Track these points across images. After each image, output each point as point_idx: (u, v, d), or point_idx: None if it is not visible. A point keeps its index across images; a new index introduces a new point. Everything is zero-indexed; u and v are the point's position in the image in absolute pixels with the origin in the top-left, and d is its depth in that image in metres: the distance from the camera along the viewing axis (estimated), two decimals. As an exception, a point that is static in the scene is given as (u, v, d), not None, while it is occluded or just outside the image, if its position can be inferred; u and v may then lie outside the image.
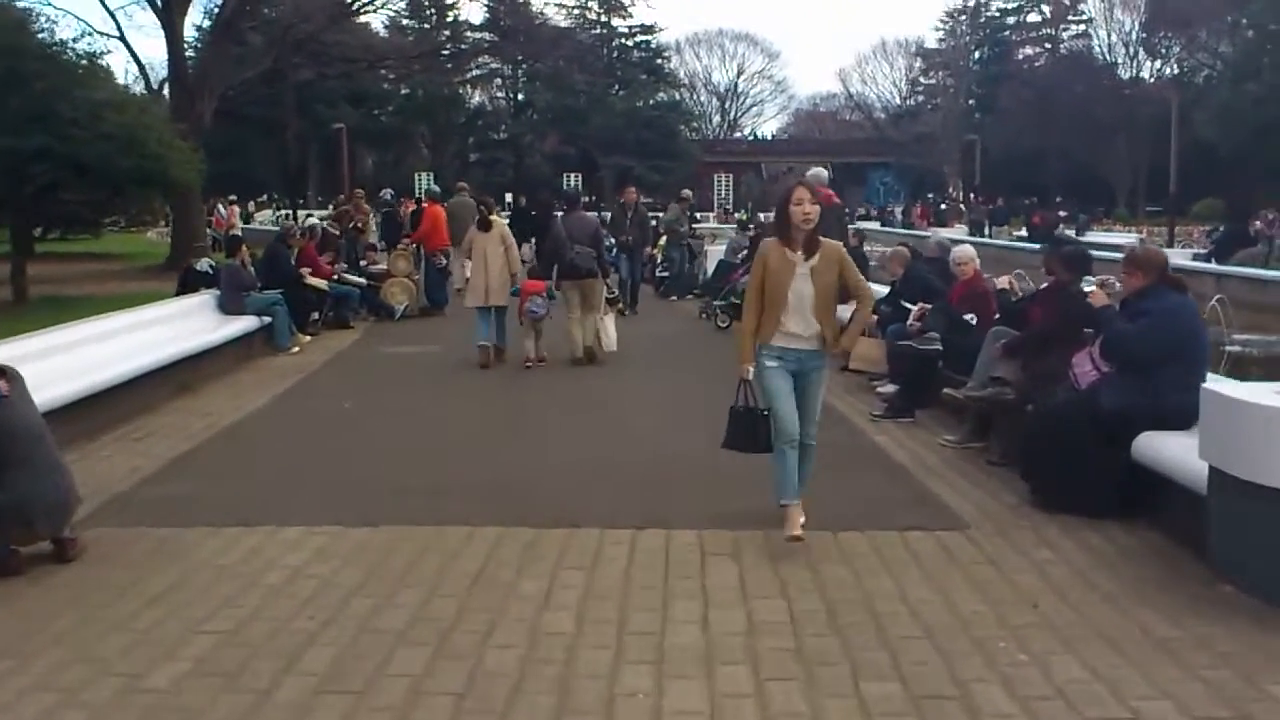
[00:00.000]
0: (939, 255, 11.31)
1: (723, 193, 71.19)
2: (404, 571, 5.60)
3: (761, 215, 54.35)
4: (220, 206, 40.01)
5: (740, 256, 19.25)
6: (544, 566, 5.65)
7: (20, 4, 20.88)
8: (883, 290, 12.63)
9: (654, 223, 22.02)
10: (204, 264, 14.98)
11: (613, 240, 17.23)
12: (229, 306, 13.50)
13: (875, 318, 10.44)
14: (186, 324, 12.53)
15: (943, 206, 57.67)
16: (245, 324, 13.26)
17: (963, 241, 14.51)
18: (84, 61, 19.66)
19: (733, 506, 6.62)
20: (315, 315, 15.67)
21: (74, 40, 20.34)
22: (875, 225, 50.93)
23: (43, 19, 19.82)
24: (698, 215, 29.96)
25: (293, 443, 8.73)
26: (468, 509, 6.60)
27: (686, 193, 22.95)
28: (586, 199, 28.55)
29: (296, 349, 13.77)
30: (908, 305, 10.42)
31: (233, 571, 5.64)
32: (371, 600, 5.19)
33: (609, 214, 21.10)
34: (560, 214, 13.77)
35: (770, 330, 6.11)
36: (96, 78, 19.01)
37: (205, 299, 13.70)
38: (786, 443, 6.08)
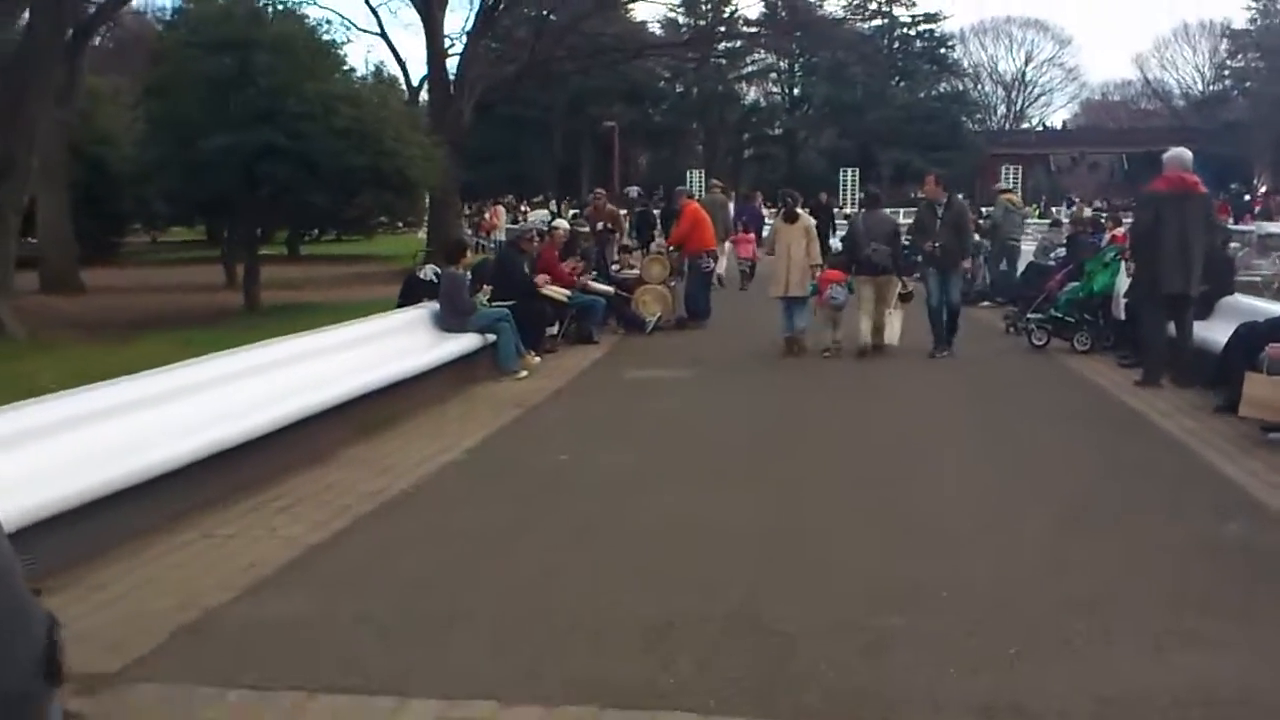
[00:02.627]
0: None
1: (1010, 185, 66.23)
2: None
3: (1056, 210, 50.19)
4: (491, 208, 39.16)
5: (1052, 257, 16.10)
6: None
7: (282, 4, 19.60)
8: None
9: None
10: (428, 271, 12.97)
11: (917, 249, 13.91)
12: (447, 322, 11.44)
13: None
14: (394, 343, 10.48)
15: (1246, 198, 50.79)
16: (463, 344, 11.14)
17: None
18: (326, 51, 18.25)
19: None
20: (554, 329, 13.53)
21: (315, 30, 18.93)
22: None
23: (276, 7, 18.30)
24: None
25: (473, 524, 6.28)
26: (713, 681, 4.07)
27: (1003, 185, 19.24)
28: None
29: (524, 373, 11.56)
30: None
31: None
32: None
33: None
34: (861, 211, 14.27)
35: None
36: (331, 68, 17.46)
37: (422, 313, 11.65)
38: None
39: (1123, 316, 11.92)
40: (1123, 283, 11.84)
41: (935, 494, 6.75)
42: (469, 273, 12.64)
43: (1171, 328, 10.34)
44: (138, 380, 7.11)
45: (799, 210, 13.86)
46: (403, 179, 17.30)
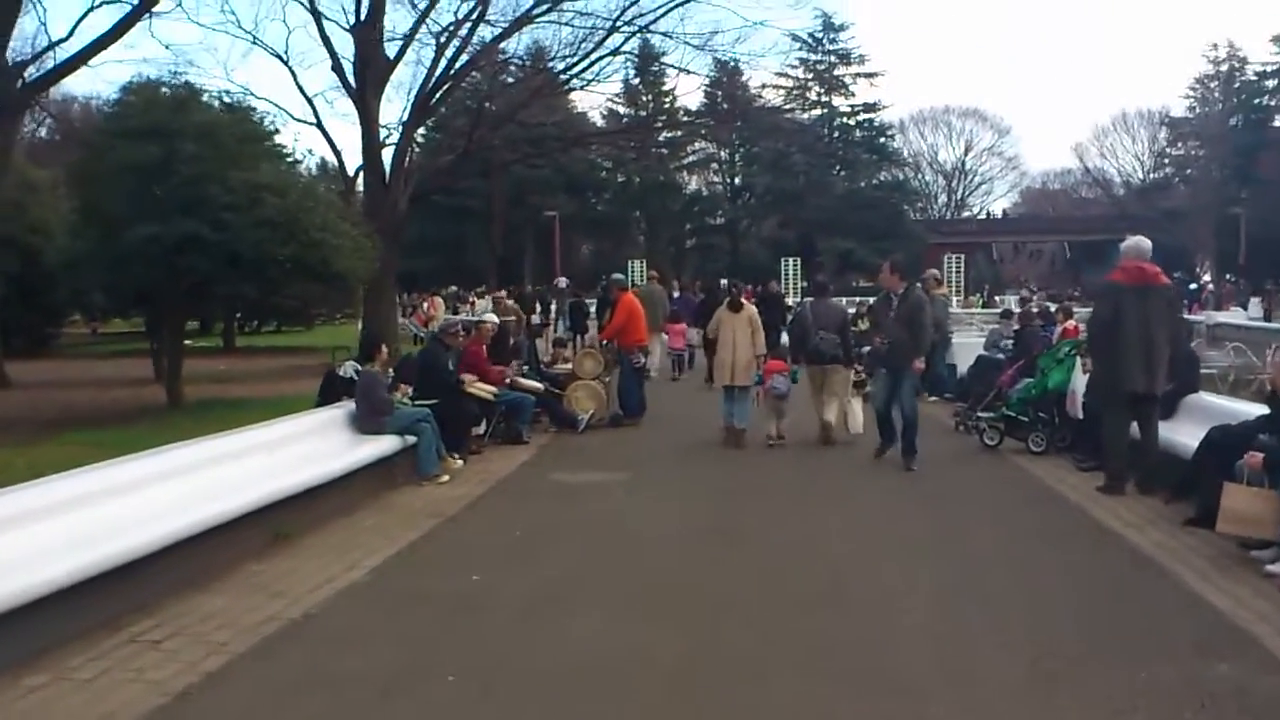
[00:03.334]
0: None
1: (953, 274, 66.78)
2: None
3: (999, 299, 50.37)
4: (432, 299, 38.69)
5: (1000, 348, 15.79)
6: None
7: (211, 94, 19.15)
8: (1241, 407, 9.30)
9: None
10: (348, 369, 12.34)
11: (863, 345, 13.62)
12: (364, 424, 10.82)
13: (1260, 457, 7.16)
14: (307, 447, 9.83)
15: (1191, 286, 51.38)
16: (381, 447, 10.48)
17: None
18: (253, 139, 17.77)
19: None
20: (480, 429, 12.96)
21: (244, 118, 18.47)
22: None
23: (205, 96, 17.83)
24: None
25: (361, 666, 5.59)
26: None
27: (934, 273, 18.81)
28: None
29: (445, 477, 10.92)
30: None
31: None
32: None
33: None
34: (810, 300, 14.29)
35: None
36: (258, 156, 16.97)
37: (338, 414, 10.96)
38: None
39: (1080, 415, 11.39)
40: (1079, 379, 11.37)
41: (885, 625, 6.16)
42: (391, 370, 12.08)
43: (1135, 429, 9.87)
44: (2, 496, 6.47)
45: (743, 300, 14.20)
46: (328, 270, 16.71)
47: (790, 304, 27.21)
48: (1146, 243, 10.08)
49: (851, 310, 17.18)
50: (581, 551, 8.12)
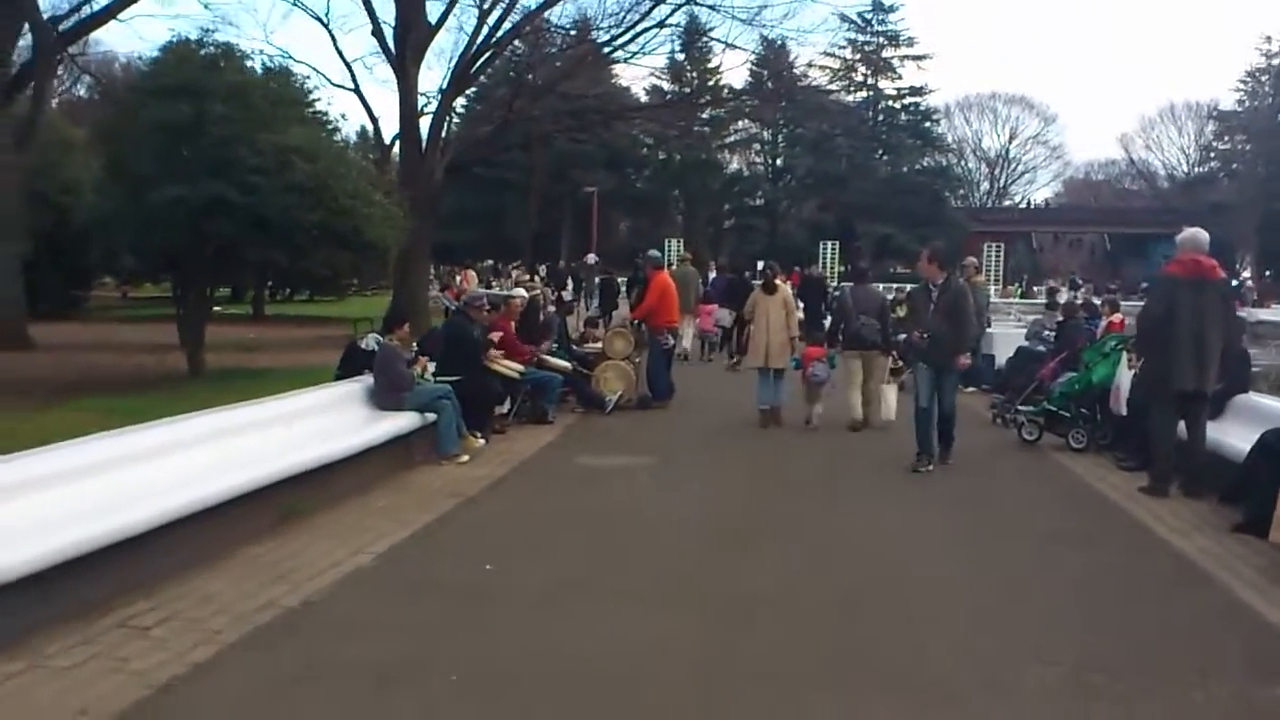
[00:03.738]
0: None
1: (992, 263, 65.83)
2: None
3: (1037, 288, 49.57)
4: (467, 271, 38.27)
5: (1042, 339, 15.29)
6: None
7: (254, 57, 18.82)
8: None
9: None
10: (370, 341, 12.01)
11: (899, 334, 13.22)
12: (383, 399, 10.47)
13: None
14: (322, 422, 9.50)
15: (1233, 283, 50.27)
16: (398, 424, 10.13)
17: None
18: (288, 101, 17.41)
19: None
20: (505, 408, 12.61)
21: (283, 80, 18.12)
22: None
23: (239, 56, 17.43)
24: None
25: (359, 661, 5.22)
26: None
27: (972, 260, 18.20)
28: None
29: (465, 457, 10.57)
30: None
31: None
32: None
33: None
34: (849, 285, 14.55)
35: None
36: (291, 119, 16.58)
37: (356, 388, 10.63)
38: None
39: (1124, 412, 10.89)
40: (1124, 375, 10.89)
41: (915, 634, 5.74)
42: (415, 344, 11.73)
43: (1182, 429, 9.39)
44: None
45: (777, 281, 14.12)
46: (359, 238, 16.35)
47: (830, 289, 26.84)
48: (1204, 235, 9.59)
49: (890, 297, 16.70)
50: (602, 541, 7.73)
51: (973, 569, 7.05)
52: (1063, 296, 22.33)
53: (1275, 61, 72.98)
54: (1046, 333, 15.54)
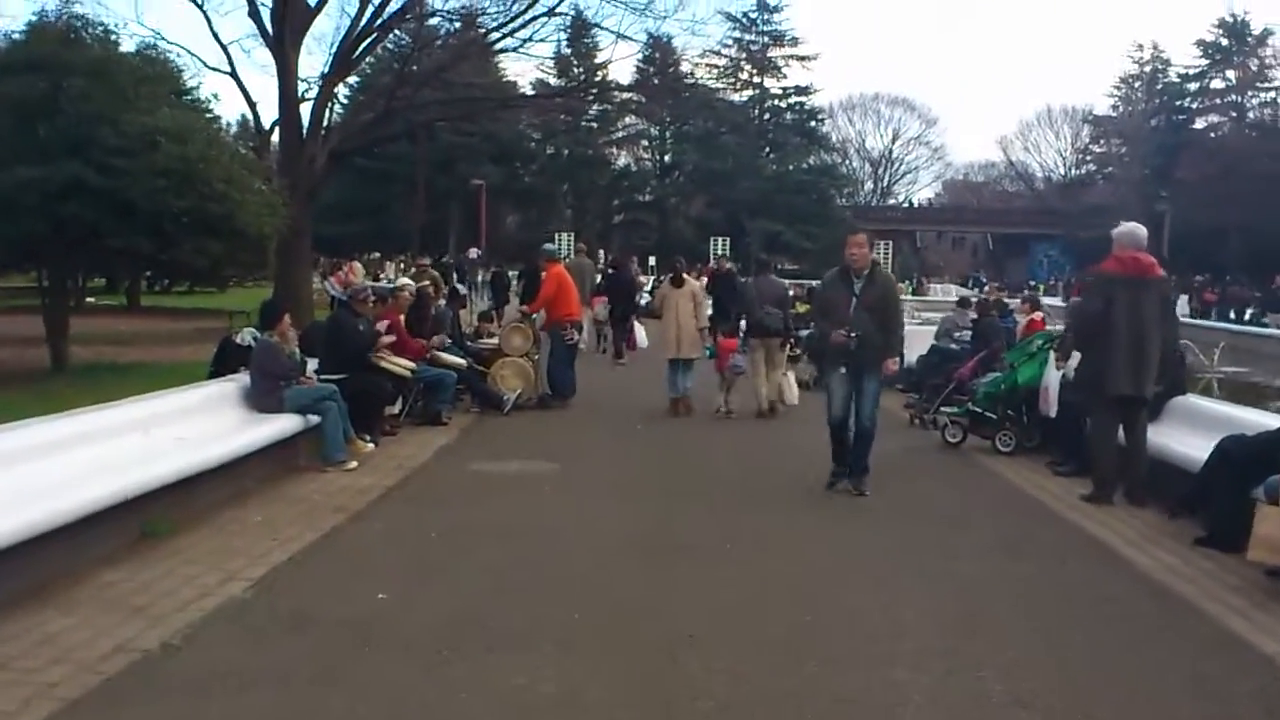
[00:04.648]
0: None
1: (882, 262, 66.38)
2: None
3: (926, 282, 49.77)
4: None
5: (954, 338, 14.88)
6: None
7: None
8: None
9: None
10: (246, 336, 10.96)
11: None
12: (260, 400, 9.47)
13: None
14: (191, 426, 8.49)
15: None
16: (277, 427, 9.15)
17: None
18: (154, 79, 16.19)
19: None
20: (395, 408, 11.66)
21: (142, 53, 16.87)
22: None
23: (98, 29, 16.16)
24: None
25: None
26: None
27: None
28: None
29: (353, 464, 9.60)
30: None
31: None
32: None
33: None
34: (751, 277, 15.31)
35: None
36: (158, 100, 15.38)
37: (230, 388, 9.63)
38: None
39: (1053, 414, 10.42)
40: (1053, 375, 10.39)
41: (872, 672, 5.01)
42: (295, 344, 10.71)
43: (1121, 433, 8.88)
44: None
45: (686, 275, 14.37)
46: (231, 225, 15.17)
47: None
48: (1142, 230, 9.12)
49: (790, 292, 16.19)
50: (503, 565, 6.73)
51: (922, 594, 6.27)
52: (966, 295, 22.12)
53: (1147, 69, 75.51)
54: (959, 331, 15.11)
